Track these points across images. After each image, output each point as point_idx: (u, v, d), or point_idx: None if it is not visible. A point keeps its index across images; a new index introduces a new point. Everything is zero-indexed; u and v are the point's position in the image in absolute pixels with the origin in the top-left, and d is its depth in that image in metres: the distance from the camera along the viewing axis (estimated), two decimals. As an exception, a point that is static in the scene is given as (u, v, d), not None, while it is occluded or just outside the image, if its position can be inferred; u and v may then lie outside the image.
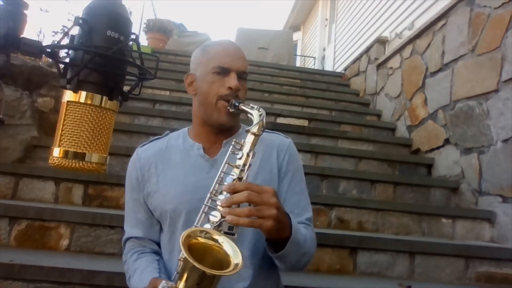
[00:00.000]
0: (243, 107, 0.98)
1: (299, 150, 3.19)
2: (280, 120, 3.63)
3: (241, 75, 1.07)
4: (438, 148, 2.98)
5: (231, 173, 0.88)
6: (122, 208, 2.18)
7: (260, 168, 1.06)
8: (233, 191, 0.83)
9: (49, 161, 0.65)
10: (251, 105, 0.98)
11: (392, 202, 2.62)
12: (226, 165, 0.91)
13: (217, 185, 0.90)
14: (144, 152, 1.13)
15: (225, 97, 1.04)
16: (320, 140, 3.30)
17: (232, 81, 1.04)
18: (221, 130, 1.09)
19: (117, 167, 2.43)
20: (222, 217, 0.82)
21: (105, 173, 2.11)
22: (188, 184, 1.04)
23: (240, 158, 0.88)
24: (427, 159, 3.06)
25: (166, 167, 1.09)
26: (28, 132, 2.46)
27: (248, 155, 0.89)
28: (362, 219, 2.36)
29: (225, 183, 0.86)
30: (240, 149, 0.90)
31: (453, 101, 2.83)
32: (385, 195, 2.69)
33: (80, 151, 0.64)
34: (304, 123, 3.66)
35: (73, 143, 0.64)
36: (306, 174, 2.76)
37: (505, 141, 2.29)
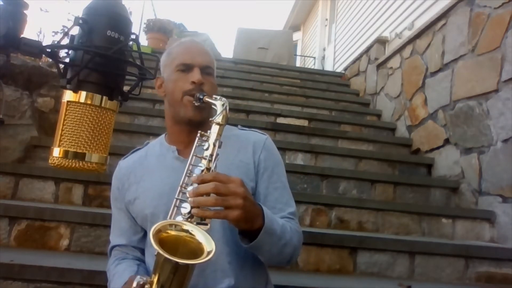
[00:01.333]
0: (207, 99, 0.99)
1: (299, 150, 3.19)
2: (280, 120, 3.62)
3: (205, 70, 1.08)
4: (438, 148, 2.98)
5: (199, 164, 0.88)
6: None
7: (235, 165, 1.06)
8: (201, 182, 0.82)
9: (49, 161, 0.65)
10: (214, 96, 0.98)
11: (392, 202, 2.62)
12: (194, 157, 0.91)
13: (186, 177, 0.90)
14: (125, 163, 1.18)
15: (189, 91, 1.05)
16: (320, 140, 3.30)
17: (195, 75, 1.05)
18: (193, 127, 1.08)
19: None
20: (192, 208, 0.82)
21: (105, 173, 2.10)
22: (164, 187, 1.05)
23: (206, 149, 0.89)
24: (427, 159, 3.06)
25: (145, 174, 1.11)
26: (28, 132, 2.46)
27: (214, 145, 0.89)
28: (362, 219, 2.36)
29: (194, 175, 0.86)
30: (206, 140, 0.90)
31: (453, 101, 2.83)
32: (385, 195, 2.69)
33: (80, 151, 0.64)
34: (304, 123, 3.66)
35: (73, 143, 0.64)
36: (306, 174, 2.74)
37: (505, 141, 2.29)
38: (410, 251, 1.97)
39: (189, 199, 0.82)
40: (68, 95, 0.65)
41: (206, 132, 0.92)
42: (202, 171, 0.86)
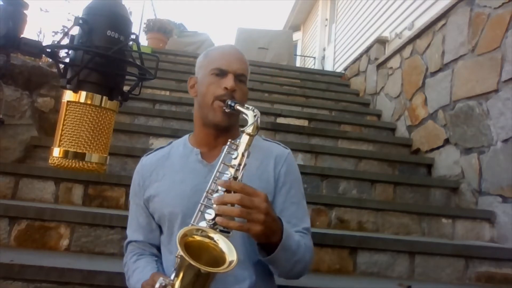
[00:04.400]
0: (238, 107, 1.00)
1: (299, 150, 3.19)
2: (280, 120, 3.62)
3: (239, 77, 1.10)
4: (438, 148, 2.98)
5: (226, 172, 0.89)
6: (122, 208, 2.19)
7: (257, 176, 1.07)
8: (227, 188, 0.84)
9: (49, 161, 0.65)
10: (246, 105, 0.99)
11: (392, 202, 2.62)
12: (222, 165, 0.92)
13: (213, 184, 0.91)
14: (148, 160, 1.18)
15: (220, 97, 1.06)
16: (320, 140, 3.30)
17: (228, 81, 1.06)
18: (219, 133, 1.11)
19: (117, 167, 2.44)
20: (216, 215, 0.84)
21: (105, 173, 2.11)
22: (185, 188, 1.07)
23: (235, 158, 0.90)
24: (427, 159, 3.06)
25: (167, 173, 1.12)
26: (28, 132, 2.46)
27: (243, 155, 0.90)
28: (362, 219, 2.36)
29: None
30: (236, 149, 0.91)
31: (453, 101, 2.83)
32: (385, 195, 2.69)
33: (80, 151, 0.64)
34: (304, 123, 3.66)
35: (73, 143, 0.64)
36: (306, 174, 2.74)
37: (505, 141, 2.29)
38: (410, 251, 1.97)
39: (215, 205, 0.83)
40: (68, 95, 0.65)
41: (235, 140, 0.93)
42: (229, 179, 0.88)
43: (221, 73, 1.08)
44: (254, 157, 0.93)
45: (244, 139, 0.92)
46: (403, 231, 2.36)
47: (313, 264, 1.92)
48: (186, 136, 1.21)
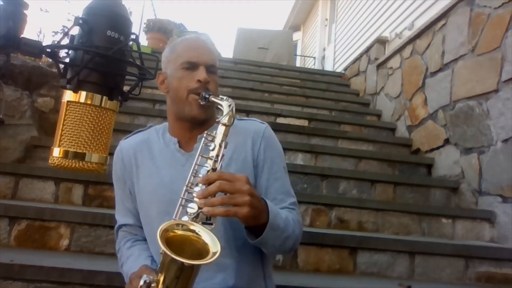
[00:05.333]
0: (213, 99, 0.99)
1: (299, 150, 3.19)
2: (280, 120, 3.62)
3: (210, 69, 1.09)
4: (438, 148, 2.98)
5: (205, 165, 0.89)
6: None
7: (233, 158, 1.07)
8: (207, 183, 0.84)
9: (49, 161, 0.65)
10: (221, 96, 0.99)
11: (392, 202, 2.62)
12: (200, 157, 0.92)
13: (192, 177, 0.91)
14: (126, 143, 1.17)
15: (195, 90, 1.05)
16: (320, 140, 3.30)
17: (200, 74, 1.06)
18: (195, 125, 1.10)
19: (117, 167, 2.43)
20: (199, 208, 0.84)
21: (105, 173, 2.11)
22: (163, 177, 1.07)
23: (213, 150, 0.90)
24: (427, 159, 3.06)
25: (146, 159, 1.12)
26: (28, 132, 2.46)
27: (220, 145, 0.90)
28: (362, 219, 2.36)
29: (200, 175, 0.88)
30: (212, 141, 0.91)
31: (453, 101, 2.83)
32: (385, 195, 2.69)
33: (80, 151, 0.64)
34: (304, 123, 3.66)
35: (73, 143, 0.64)
36: (306, 174, 2.73)
37: (505, 141, 2.29)
38: (410, 251, 1.97)
39: (196, 199, 0.84)
40: (68, 95, 0.65)
41: (211, 132, 0.93)
42: (208, 171, 0.88)
43: (191, 66, 1.07)
44: (229, 140, 0.93)
45: (220, 130, 0.92)
46: (403, 231, 2.36)
47: (313, 264, 1.92)
48: (167, 123, 1.19)
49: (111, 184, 2.32)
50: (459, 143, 2.73)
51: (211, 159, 0.89)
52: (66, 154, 0.64)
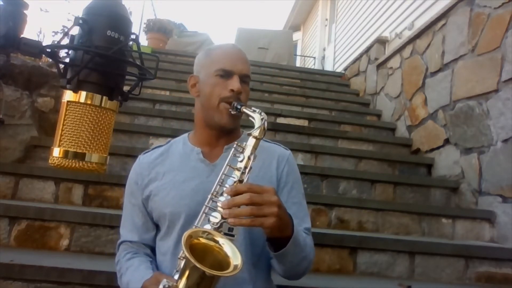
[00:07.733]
0: (245, 110, 0.99)
1: (299, 150, 3.19)
2: (280, 120, 3.63)
3: (243, 79, 1.09)
4: (438, 148, 2.98)
5: (232, 175, 0.89)
6: (122, 208, 2.18)
7: (260, 176, 1.07)
8: (235, 194, 0.84)
9: (49, 161, 0.65)
10: (253, 108, 0.99)
11: (392, 202, 2.62)
12: (228, 167, 0.92)
13: (218, 186, 0.91)
14: (146, 158, 1.16)
15: (227, 99, 1.05)
16: (320, 140, 3.30)
17: (234, 83, 1.05)
18: (222, 134, 1.11)
19: (117, 167, 2.43)
20: (223, 218, 0.83)
21: (105, 173, 2.11)
22: (187, 188, 1.06)
23: (241, 161, 0.90)
24: (427, 159, 3.06)
25: (167, 171, 1.11)
26: (28, 132, 2.46)
27: (249, 158, 0.90)
28: (362, 219, 2.36)
29: (226, 185, 0.87)
30: (242, 152, 0.91)
31: (453, 101, 2.83)
32: (385, 195, 2.69)
33: (80, 151, 0.64)
34: (304, 123, 3.66)
35: (73, 143, 0.64)
36: (306, 174, 2.74)
37: (505, 141, 2.29)
38: (410, 251, 1.97)
39: (220, 209, 0.83)
40: (68, 95, 0.65)
41: (241, 143, 0.93)
42: (235, 182, 0.88)
43: (225, 74, 1.07)
44: (257, 158, 0.93)
45: (250, 142, 0.92)
46: (403, 231, 2.36)
47: (313, 264, 1.91)
48: (185, 134, 1.20)
49: (111, 184, 2.33)
50: (459, 143, 2.73)
51: (239, 170, 0.89)
52: (66, 154, 0.64)
